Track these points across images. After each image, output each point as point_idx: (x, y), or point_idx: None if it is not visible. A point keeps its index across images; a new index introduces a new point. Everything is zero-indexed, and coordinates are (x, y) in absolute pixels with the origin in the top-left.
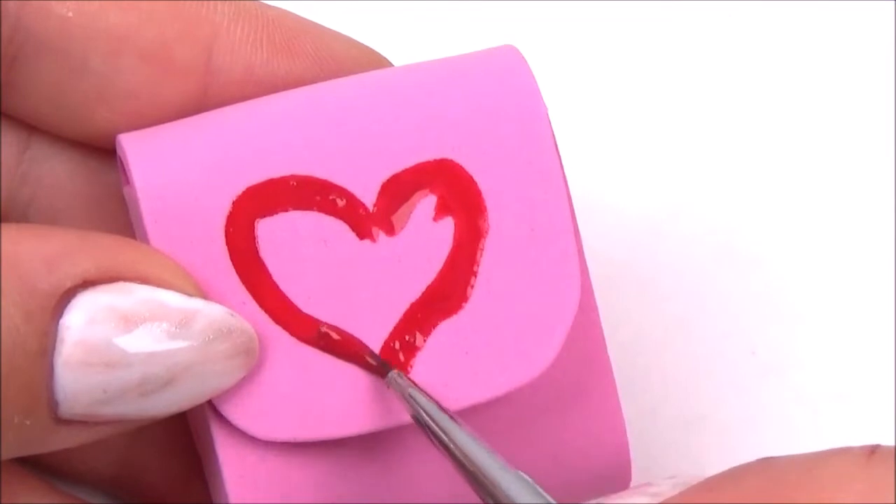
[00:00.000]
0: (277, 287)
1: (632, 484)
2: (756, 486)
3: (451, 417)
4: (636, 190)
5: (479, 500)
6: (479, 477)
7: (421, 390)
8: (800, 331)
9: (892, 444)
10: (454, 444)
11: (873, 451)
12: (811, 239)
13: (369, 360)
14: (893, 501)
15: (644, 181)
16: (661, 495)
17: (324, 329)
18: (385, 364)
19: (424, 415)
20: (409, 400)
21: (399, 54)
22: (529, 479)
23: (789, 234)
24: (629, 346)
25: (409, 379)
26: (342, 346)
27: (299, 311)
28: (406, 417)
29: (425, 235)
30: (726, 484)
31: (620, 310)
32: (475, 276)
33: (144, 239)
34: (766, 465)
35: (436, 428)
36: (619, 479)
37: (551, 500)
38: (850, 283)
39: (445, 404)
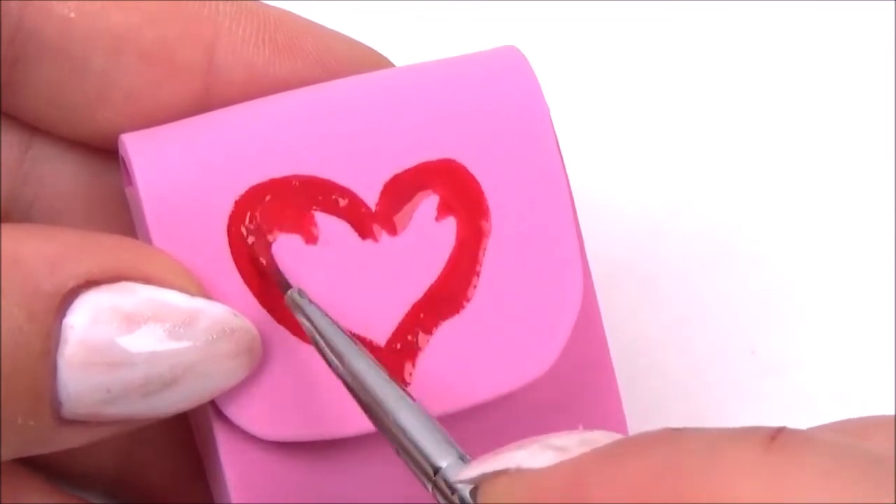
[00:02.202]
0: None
1: None
2: (656, 462)
3: (353, 340)
4: (637, 190)
5: None
6: (373, 407)
7: (320, 310)
8: (800, 331)
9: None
10: (345, 366)
11: (775, 436)
12: (811, 239)
13: (275, 279)
14: (788, 501)
15: (644, 181)
16: (566, 450)
17: None
18: (285, 282)
19: (318, 336)
20: (302, 321)
21: (400, 55)
22: (423, 410)
23: (789, 234)
24: (630, 346)
25: (307, 296)
26: None
27: None
28: None
29: (427, 235)
30: (629, 453)
31: (621, 310)
32: (477, 276)
33: (147, 239)
34: (670, 439)
35: (328, 351)
36: None
37: (448, 436)
38: (851, 283)
39: (447, 404)
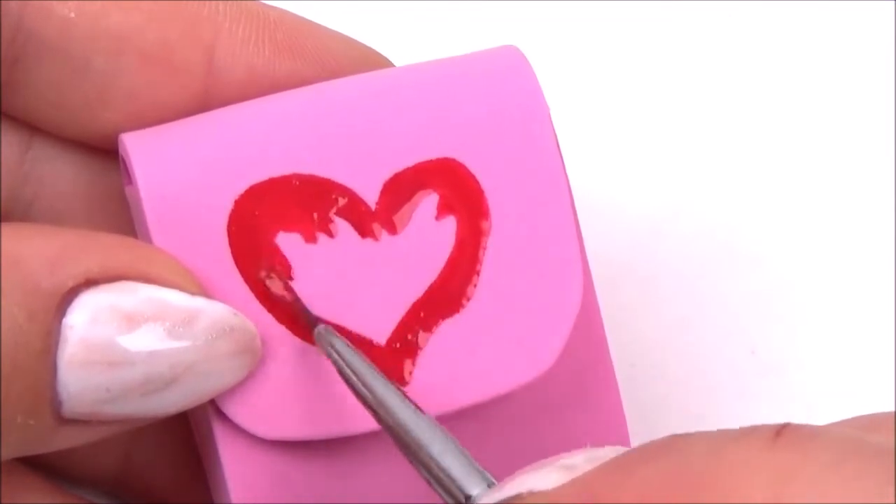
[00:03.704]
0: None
1: None
2: (665, 468)
3: (381, 374)
4: (637, 190)
5: None
6: (406, 440)
7: (348, 345)
8: (800, 331)
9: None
10: (379, 403)
11: (780, 431)
12: (811, 239)
13: (302, 316)
14: (795, 496)
15: (644, 181)
16: (575, 468)
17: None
18: (313, 317)
19: (349, 370)
20: (332, 355)
21: (400, 55)
22: (455, 441)
23: (789, 234)
24: (630, 346)
25: (338, 335)
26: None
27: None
28: None
29: (427, 234)
30: (637, 464)
31: (621, 310)
32: (477, 276)
33: (147, 238)
34: (676, 445)
35: (360, 385)
36: None
37: (474, 462)
38: (850, 283)
39: (447, 403)
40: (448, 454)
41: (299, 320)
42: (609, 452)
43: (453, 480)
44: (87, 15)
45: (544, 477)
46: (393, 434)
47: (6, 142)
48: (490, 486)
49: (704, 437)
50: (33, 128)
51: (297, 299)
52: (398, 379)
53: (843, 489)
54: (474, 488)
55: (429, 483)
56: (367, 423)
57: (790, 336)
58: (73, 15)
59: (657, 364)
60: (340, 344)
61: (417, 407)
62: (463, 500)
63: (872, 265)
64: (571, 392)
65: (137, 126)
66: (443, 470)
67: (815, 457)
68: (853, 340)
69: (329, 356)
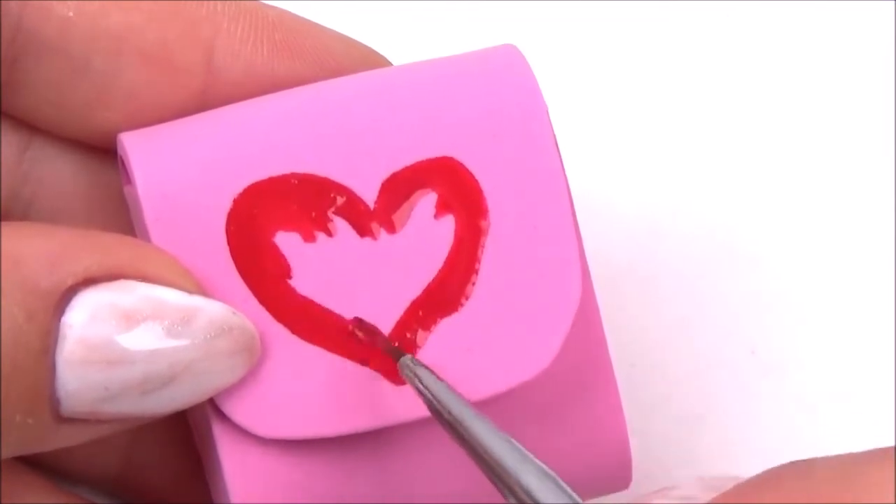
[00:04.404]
0: (279, 285)
1: (632, 484)
2: (794, 493)
3: (467, 404)
4: (636, 190)
5: (485, 498)
6: (497, 469)
7: (434, 374)
8: (800, 331)
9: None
10: (468, 432)
11: None
12: (811, 239)
13: (382, 347)
14: None
15: (644, 181)
16: (691, 499)
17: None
18: (397, 349)
19: (436, 402)
20: (418, 386)
21: (399, 54)
22: (551, 472)
23: (789, 234)
24: (629, 346)
25: (422, 363)
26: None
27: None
28: (410, 414)
29: (426, 233)
30: (763, 490)
31: (620, 309)
32: (476, 274)
33: (145, 237)
34: (802, 470)
35: (449, 416)
36: (620, 477)
37: (573, 494)
38: (851, 283)
39: None
40: (542, 485)
41: (302, 317)
42: (724, 482)
43: None
44: (86, 15)
45: None
46: (483, 464)
47: (5, 141)
48: None
49: (830, 460)
50: (33, 127)
51: (382, 337)
52: (396, 377)
53: None
54: None
55: None
56: (366, 421)
57: (790, 336)
58: (72, 15)
59: (657, 364)
60: (426, 375)
61: (508, 436)
62: None
63: (872, 265)
64: (571, 391)
65: (136, 125)
66: (536, 502)
67: None
68: (853, 340)
69: (414, 387)
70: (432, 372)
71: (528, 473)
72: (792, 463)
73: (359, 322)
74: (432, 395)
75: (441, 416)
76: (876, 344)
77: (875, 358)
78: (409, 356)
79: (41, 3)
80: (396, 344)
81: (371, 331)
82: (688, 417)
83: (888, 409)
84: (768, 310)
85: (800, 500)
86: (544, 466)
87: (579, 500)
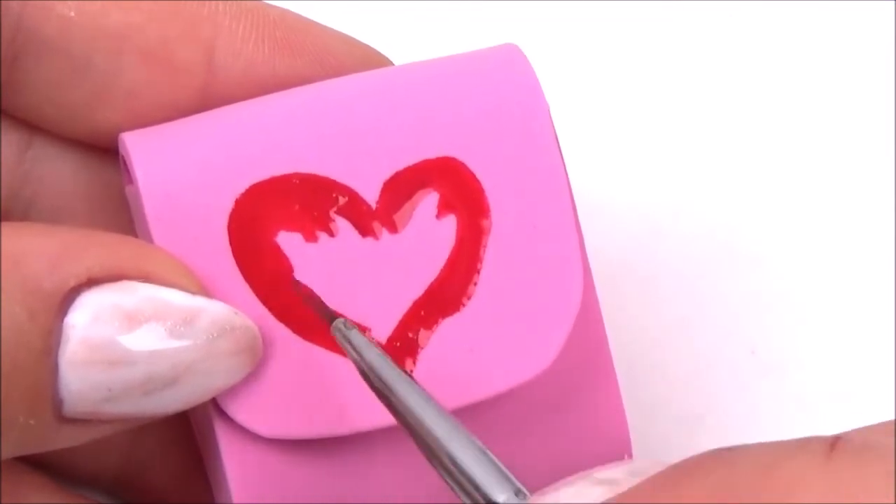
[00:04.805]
0: (281, 285)
1: None
2: (712, 483)
3: (403, 371)
4: (637, 189)
5: None
6: (426, 439)
7: (368, 338)
8: (800, 331)
9: (858, 431)
10: (398, 400)
11: (834, 444)
12: (811, 239)
13: (316, 309)
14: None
15: (644, 180)
16: (616, 483)
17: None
18: (330, 312)
19: (366, 367)
20: (349, 351)
21: (399, 54)
22: (481, 445)
23: (789, 234)
24: (629, 346)
25: (355, 325)
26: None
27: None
28: None
29: (428, 233)
30: (683, 479)
31: (621, 309)
32: (478, 274)
33: (147, 237)
34: (723, 459)
35: (378, 383)
36: None
37: (504, 468)
38: (851, 283)
39: (448, 401)
40: (471, 456)
41: (304, 317)
42: (650, 466)
43: (476, 484)
44: (87, 14)
45: (584, 491)
46: (412, 432)
47: (6, 141)
48: (518, 493)
49: (753, 451)
50: (33, 127)
51: (311, 293)
52: None
53: None
54: (499, 495)
55: (450, 486)
56: (369, 421)
57: (790, 336)
58: (73, 14)
59: (657, 364)
60: (358, 338)
61: (440, 405)
62: None
63: (872, 265)
64: (572, 391)
65: (137, 125)
66: (464, 473)
67: (874, 467)
68: (853, 341)
69: (346, 351)
70: (366, 336)
71: (457, 443)
72: (719, 450)
73: (294, 283)
74: (363, 360)
75: (371, 383)
76: (876, 344)
77: (875, 358)
78: (341, 319)
79: (42, 2)
80: (398, 344)
81: (307, 294)
82: (688, 417)
83: (888, 409)
84: (768, 310)
85: (714, 494)
86: (475, 439)
87: (506, 472)
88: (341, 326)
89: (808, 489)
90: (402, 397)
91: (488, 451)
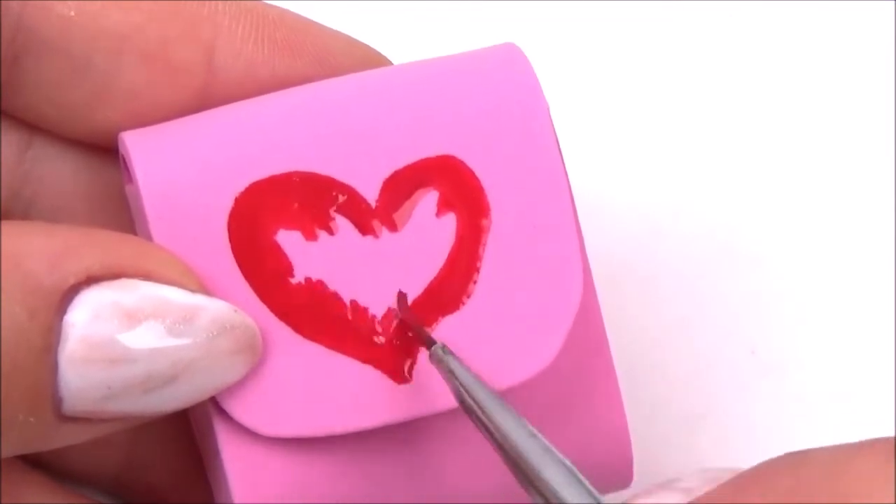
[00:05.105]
0: (280, 283)
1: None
2: (784, 486)
3: (496, 395)
4: (637, 189)
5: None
6: (520, 463)
7: (465, 366)
8: (800, 331)
9: None
10: (493, 424)
11: None
12: (811, 239)
13: (416, 334)
14: None
15: (644, 180)
16: (692, 491)
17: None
18: (429, 336)
19: (464, 392)
20: (449, 376)
21: (400, 54)
22: (572, 467)
23: (789, 234)
24: (629, 346)
25: (453, 353)
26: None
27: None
28: (412, 413)
29: (428, 232)
30: (756, 483)
31: (621, 309)
32: (477, 273)
33: (147, 236)
34: (794, 463)
35: (476, 408)
36: (621, 475)
37: (593, 490)
38: (851, 283)
39: (447, 400)
40: (563, 479)
41: (304, 315)
42: (725, 473)
43: None
44: (87, 14)
45: (663, 500)
46: (506, 456)
47: (6, 141)
48: None
49: (820, 454)
50: (33, 127)
51: (416, 321)
52: (398, 376)
53: None
54: None
55: None
56: (368, 420)
57: (790, 336)
58: (73, 14)
59: (657, 364)
60: (455, 364)
61: (532, 427)
62: None
63: (872, 265)
64: (572, 390)
65: (137, 124)
66: (559, 498)
67: None
68: (853, 341)
69: (443, 376)
70: (461, 361)
71: (551, 468)
72: (788, 455)
73: (403, 299)
74: (461, 383)
75: (467, 406)
76: (876, 344)
77: (875, 358)
78: (440, 344)
79: (42, 2)
80: (398, 342)
81: (407, 311)
82: (688, 417)
83: (888, 409)
84: (768, 310)
85: (791, 493)
86: (569, 463)
87: (598, 497)
88: (439, 351)
89: (876, 489)
90: (497, 420)
91: (577, 472)
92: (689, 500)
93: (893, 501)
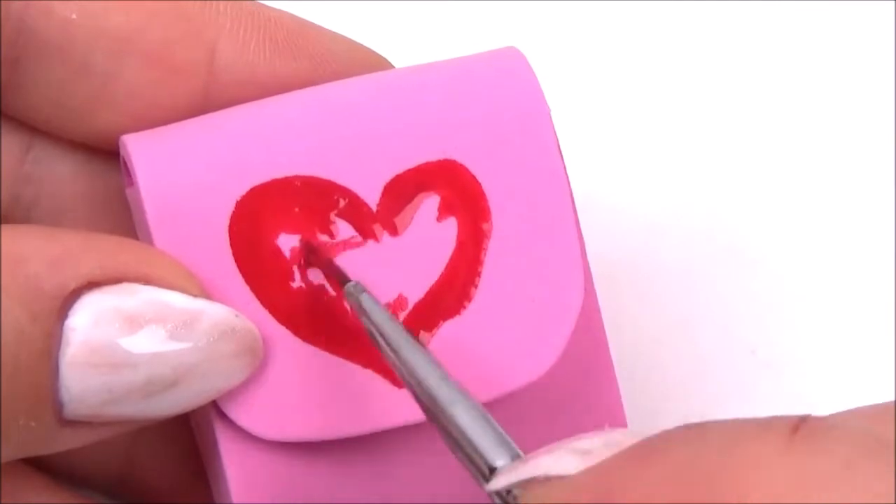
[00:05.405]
0: (281, 287)
1: None
2: (676, 461)
3: (408, 334)
4: (637, 190)
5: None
6: (424, 396)
7: (377, 303)
8: (800, 331)
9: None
10: (401, 361)
11: (797, 426)
12: (811, 239)
13: (327, 270)
14: (811, 498)
15: (645, 181)
16: (591, 453)
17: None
18: (342, 273)
19: (374, 329)
20: (360, 312)
21: (400, 56)
22: (480, 407)
23: (790, 234)
24: (629, 346)
25: (368, 291)
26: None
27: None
28: (411, 417)
29: (429, 236)
30: (650, 455)
31: (621, 310)
32: (479, 277)
33: (148, 240)
34: (690, 437)
35: (384, 344)
36: None
37: (499, 427)
38: (850, 283)
39: None
40: (475, 421)
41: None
42: (626, 438)
43: (479, 450)
44: (88, 16)
45: (560, 460)
46: (418, 396)
47: (7, 143)
48: (514, 458)
49: (720, 430)
50: (34, 129)
51: (329, 258)
52: (398, 380)
53: (856, 491)
54: (499, 459)
55: (453, 450)
56: (369, 424)
57: (790, 336)
58: (74, 16)
59: (657, 364)
60: (368, 301)
61: (445, 370)
62: (487, 472)
63: (872, 265)
64: (572, 392)
65: (138, 127)
66: (468, 438)
67: (832, 456)
68: (853, 340)
69: (357, 313)
70: (376, 300)
71: (462, 408)
72: (684, 426)
73: (306, 243)
74: (372, 322)
75: (379, 345)
76: (876, 344)
77: (875, 358)
78: (353, 282)
79: (43, 3)
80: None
81: (315, 250)
82: (688, 417)
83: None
84: (768, 310)
85: (684, 466)
86: (479, 405)
87: (506, 437)
88: (352, 289)
89: (764, 472)
90: (408, 359)
91: (490, 417)
92: (587, 465)
93: (773, 495)
